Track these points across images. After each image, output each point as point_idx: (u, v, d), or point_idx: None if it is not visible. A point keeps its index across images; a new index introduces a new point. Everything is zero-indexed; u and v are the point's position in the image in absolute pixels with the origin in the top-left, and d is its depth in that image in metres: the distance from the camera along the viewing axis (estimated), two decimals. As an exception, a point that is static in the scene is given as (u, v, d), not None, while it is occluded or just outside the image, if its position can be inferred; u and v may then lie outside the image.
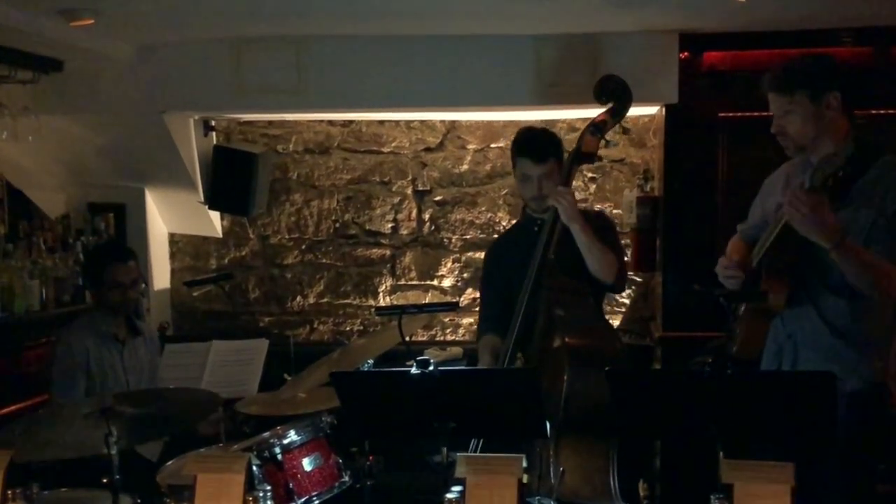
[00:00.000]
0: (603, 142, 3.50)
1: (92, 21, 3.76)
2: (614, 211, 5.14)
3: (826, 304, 2.82)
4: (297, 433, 3.44)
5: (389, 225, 5.46)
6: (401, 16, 4.16)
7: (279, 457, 3.34)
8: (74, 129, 4.87)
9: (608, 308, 5.13)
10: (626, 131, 3.64)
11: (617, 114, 3.55)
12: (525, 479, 2.38)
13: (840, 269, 2.71)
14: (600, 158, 3.57)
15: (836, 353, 2.81)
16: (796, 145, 2.88)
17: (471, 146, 5.36)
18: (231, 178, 5.07)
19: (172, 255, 5.60)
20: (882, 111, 4.31)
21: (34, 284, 4.61)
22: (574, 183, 3.97)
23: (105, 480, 2.73)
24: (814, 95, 2.81)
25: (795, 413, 2.38)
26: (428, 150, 5.40)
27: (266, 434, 3.46)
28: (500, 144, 5.33)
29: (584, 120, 3.53)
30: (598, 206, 5.06)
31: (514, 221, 5.28)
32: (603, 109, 3.56)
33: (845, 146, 2.80)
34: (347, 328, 5.53)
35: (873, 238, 2.73)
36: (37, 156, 4.94)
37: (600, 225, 3.44)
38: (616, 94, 3.56)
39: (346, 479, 3.51)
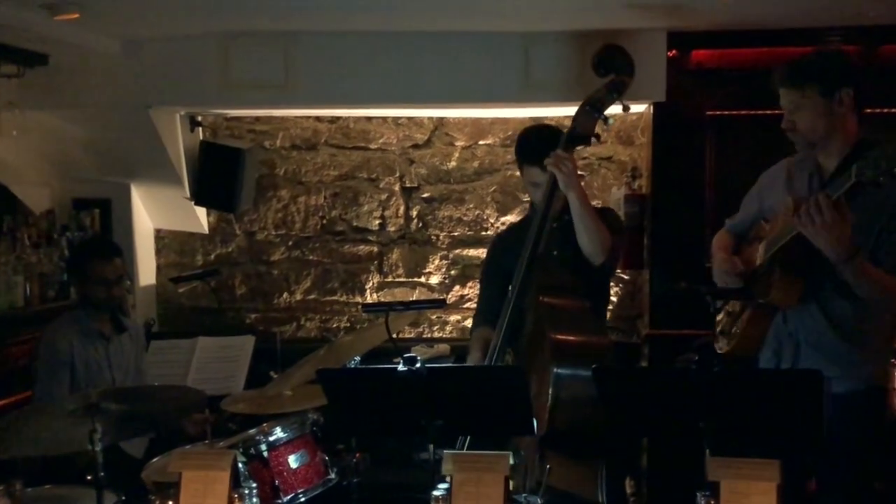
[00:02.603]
0: (601, 120, 3.23)
1: (77, 15, 3.73)
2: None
3: (832, 305, 2.80)
4: (284, 430, 3.43)
5: (377, 222, 5.44)
6: (389, 12, 4.14)
7: (265, 454, 3.33)
8: (59, 124, 4.83)
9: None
10: (626, 109, 3.33)
11: (617, 88, 3.24)
12: (512, 485, 2.38)
13: (848, 282, 2.68)
14: (598, 138, 3.30)
15: (838, 353, 2.80)
16: (807, 141, 2.84)
17: (459, 143, 5.36)
18: (217, 174, 5.05)
19: (158, 251, 5.57)
20: (868, 110, 4.31)
21: (18, 280, 4.57)
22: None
23: (89, 477, 2.72)
24: (825, 91, 2.77)
25: (782, 411, 2.38)
26: (416, 146, 5.39)
27: (252, 431, 3.46)
28: (488, 141, 5.33)
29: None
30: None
31: (502, 219, 5.29)
32: (601, 83, 3.28)
33: (853, 145, 2.78)
34: (334, 325, 5.52)
35: (882, 240, 2.71)
36: (21, 150, 4.90)
37: (607, 219, 3.29)
38: (616, 65, 3.27)
39: (333, 476, 3.50)
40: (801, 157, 2.95)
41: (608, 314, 5.16)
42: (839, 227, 2.55)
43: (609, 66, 3.28)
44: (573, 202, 3.13)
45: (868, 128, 4.18)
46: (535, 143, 3.33)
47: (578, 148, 3.33)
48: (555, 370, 2.93)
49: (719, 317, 3.12)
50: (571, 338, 3.06)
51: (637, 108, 4.98)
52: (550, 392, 2.92)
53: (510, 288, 3.26)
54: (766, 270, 2.86)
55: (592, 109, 3.23)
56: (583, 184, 5.15)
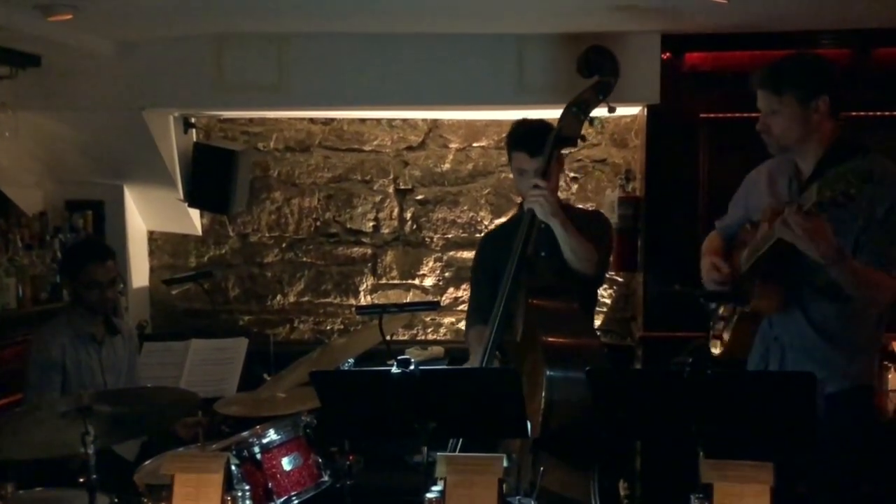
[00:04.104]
0: (587, 122, 3.25)
1: (70, 16, 3.72)
2: (596, 211, 5.14)
3: (813, 307, 2.82)
4: (277, 432, 3.43)
5: (370, 224, 5.44)
6: (383, 14, 4.14)
7: (258, 456, 3.32)
8: (52, 126, 4.83)
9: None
10: (611, 110, 3.33)
11: (602, 90, 3.26)
12: (504, 488, 2.38)
13: (836, 281, 2.68)
14: (584, 139, 3.34)
15: (822, 355, 2.81)
16: (780, 145, 2.87)
17: (453, 145, 5.36)
18: (211, 176, 5.05)
19: (151, 253, 5.56)
20: (861, 113, 4.34)
21: (10, 282, 4.56)
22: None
23: (81, 480, 2.71)
24: (803, 98, 2.78)
25: (775, 413, 2.38)
26: (410, 148, 5.39)
27: (245, 433, 3.45)
28: (482, 144, 5.33)
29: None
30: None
31: (496, 221, 5.29)
32: (587, 85, 3.29)
33: (828, 148, 2.81)
34: (328, 327, 5.51)
35: (862, 243, 2.72)
36: (14, 152, 4.89)
37: (591, 222, 3.32)
38: (601, 66, 3.27)
39: (326, 478, 3.50)
40: (780, 160, 2.97)
41: (602, 316, 5.22)
42: (818, 232, 2.56)
43: (594, 68, 3.28)
44: (556, 229, 3.13)
45: (862, 131, 4.20)
46: (525, 128, 3.37)
47: (566, 151, 3.36)
48: (548, 373, 2.92)
49: (718, 323, 3.12)
50: (564, 341, 3.06)
51: (631, 110, 4.99)
52: (543, 395, 2.91)
53: (500, 290, 3.27)
54: (747, 279, 2.88)
55: (578, 111, 3.25)
56: (576, 186, 5.22)
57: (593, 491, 3.02)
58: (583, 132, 3.28)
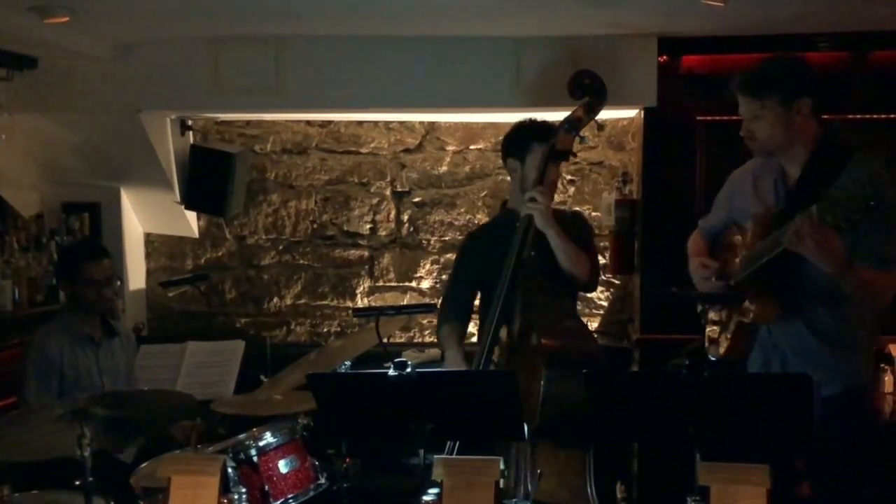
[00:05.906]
0: (578, 139, 3.45)
1: (67, 18, 3.72)
2: (593, 213, 5.14)
3: (813, 314, 2.82)
4: (274, 435, 3.43)
5: (367, 226, 5.44)
6: (380, 16, 4.14)
7: (255, 459, 3.32)
8: (49, 128, 4.82)
9: (586, 311, 5.13)
10: (600, 127, 3.56)
11: (592, 109, 3.49)
12: (502, 483, 2.38)
13: (842, 289, 2.69)
14: (575, 155, 3.52)
15: (822, 359, 2.81)
16: (765, 149, 2.88)
17: (450, 147, 5.36)
18: (208, 178, 5.04)
19: (148, 256, 5.56)
20: (858, 116, 4.34)
21: (7, 284, 4.56)
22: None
23: (78, 482, 2.70)
24: (785, 101, 2.79)
25: (772, 415, 2.39)
26: (407, 151, 5.39)
27: (242, 436, 3.45)
28: (480, 146, 5.33)
29: (564, 123, 3.50)
30: (575, 208, 5.05)
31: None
32: (577, 105, 3.51)
33: (813, 150, 2.81)
34: (325, 329, 5.50)
35: (855, 243, 2.70)
36: (11, 154, 4.88)
37: (576, 226, 3.44)
38: (591, 89, 3.50)
39: (323, 481, 3.50)
40: (764, 161, 2.97)
41: (599, 319, 5.22)
42: (829, 244, 2.56)
43: (585, 90, 3.51)
44: (552, 238, 3.28)
45: (859, 133, 4.20)
46: (537, 123, 3.56)
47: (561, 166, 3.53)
48: (546, 371, 2.98)
49: (709, 328, 3.13)
50: (560, 338, 3.14)
51: (628, 113, 4.99)
52: (542, 389, 2.97)
53: (495, 292, 3.30)
54: (743, 287, 2.88)
55: (571, 128, 3.45)
56: (573, 189, 5.22)
57: (591, 495, 3.03)
58: (574, 149, 3.49)
